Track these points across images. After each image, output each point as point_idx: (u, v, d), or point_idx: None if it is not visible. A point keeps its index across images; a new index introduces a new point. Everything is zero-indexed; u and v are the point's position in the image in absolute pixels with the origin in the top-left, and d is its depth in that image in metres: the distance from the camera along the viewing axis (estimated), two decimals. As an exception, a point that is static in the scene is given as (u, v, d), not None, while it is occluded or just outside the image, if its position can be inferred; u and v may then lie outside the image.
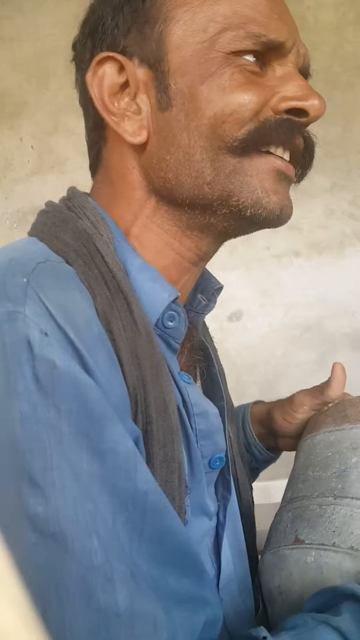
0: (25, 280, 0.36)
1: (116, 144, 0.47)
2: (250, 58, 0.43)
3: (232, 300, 1.57)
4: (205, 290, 0.57)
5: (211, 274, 0.58)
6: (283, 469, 0.64)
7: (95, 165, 0.51)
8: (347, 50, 1.53)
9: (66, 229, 0.44)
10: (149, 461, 0.39)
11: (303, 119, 0.45)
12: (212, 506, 0.50)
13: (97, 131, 0.49)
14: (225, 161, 0.43)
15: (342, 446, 0.50)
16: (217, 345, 0.64)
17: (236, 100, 0.42)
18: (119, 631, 0.32)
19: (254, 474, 0.74)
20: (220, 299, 0.60)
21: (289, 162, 0.47)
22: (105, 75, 0.45)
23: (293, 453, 0.60)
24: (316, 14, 1.52)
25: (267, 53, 0.44)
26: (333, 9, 1.53)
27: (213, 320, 0.66)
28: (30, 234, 0.46)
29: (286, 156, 0.46)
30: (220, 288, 0.58)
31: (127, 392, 0.39)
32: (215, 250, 0.52)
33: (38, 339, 0.33)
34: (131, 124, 0.45)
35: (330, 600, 0.41)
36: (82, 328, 0.36)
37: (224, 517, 0.52)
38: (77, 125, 0.53)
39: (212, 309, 0.58)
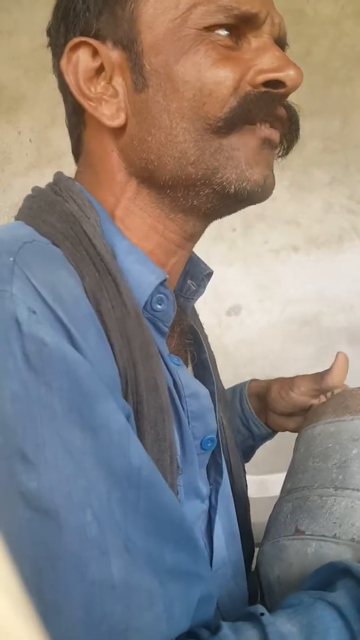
0: (11, 259, 0.36)
1: (95, 128, 0.47)
2: (222, 32, 0.43)
3: (230, 295, 1.57)
4: (194, 276, 0.57)
5: (200, 259, 0.58)
6: (280, 462, 0.64)
7: (77, 150, 0.51)
8: (346, 44, 1.53)
9: (52, 212, 0.43)
10: (141, 440, 0.39)
11: (281, 90, 0.44)
12: (205, 489, 0.51)
13: (76, 116, 0.49)
14: (211, 141, 0.43)
15: (343, 437, 0.50)
16: (215, 340, 0.64)
17: (212, 78, 0.42)
18: (114, 603, 0.32)
19: (250, 452, 0.75)
20: (219, 293, 0.60)
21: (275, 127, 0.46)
22: (80, 60, 0.44)
23: (291, 446, 0.60)
24: (315, 7, 1.51)
25: (241, 26, 0.44)
26: (332, 2, 1.52)
27: (211, 315, 0.66)
28: (17, 218, 0.46)
29: (271, 130, 0.46)
30: (210, 273, 0.58)
31: (117, 371, 0.39)
32: (202, 232, 0.51)
33: (26, 317, 0.33)
34: (108, 107, 0.45)
35: (326, 577, 0.41)
36: (71, 306, 0.36)
37: (216, 500, 0.52)
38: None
39: (201, 294, 0.58)
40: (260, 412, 0.72)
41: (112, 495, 0.34)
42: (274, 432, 0.74)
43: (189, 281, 0.56)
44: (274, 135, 0.46)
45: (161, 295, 0.46)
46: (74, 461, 0.33)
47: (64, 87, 0.49)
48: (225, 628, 0.37)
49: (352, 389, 0.57)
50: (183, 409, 0.46)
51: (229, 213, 0.49)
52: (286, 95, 0.45)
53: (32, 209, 0.45)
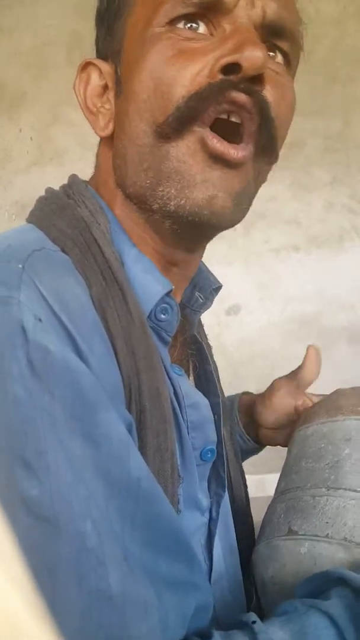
0: (20, 266, 0.36)
1: (102, 141, 0.49)
2: (181, 25, 0.40)
3: (230, 294, 1.57)
4: (203, 289, 0.56)
5: (210, 272, 0.57)
6: (279, 462, 0.64)
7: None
8: (348, 44, 1.53)
9: (63, 216, 0.43)
10: (142, 450, 0.40)
11: (238, 75, 0.38)
12: (205, 501, 0.50)
13: None
14: (161, 148, 0.41)
15: (335, 437, 0.50)
16: (215, 339, 0.64)
17: (163, 79, 0.40)
18: (110, 614, 0.32)
19: None
20: (218, 292, 0.60)
21: (243, 126, 0.41)
22: (90, 79, 0.47)
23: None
24: (317, 6, 1.51)
25: (208, 14, 0.40)
26: (334, 2, 1.52)
27: (211, 314, 0.66)
28: (28, 220, 0.46)
29: (234, 118, 0.41)
30: (219, 287, 0.57)
31: (121, 380, 0.39)
32: (188, 260, 0.49)
33: (32, 325, 0.33)
34: (102, 118, 0.47)
35: (320, 585, 0.41)
36: (77, 315, 0.36)
37: (217, 513, 0.52)
38: (77, 116, 0.53)
39: (208, 307, 0.57)
40: (250, 427, 0.72)
41: (111, 505, 0.34)
42: (260, 448, 0.73)
43: (196, 293, 0.56)
44: (229, 154, 0.40)
45: (165, 305, 0.45)
46: (75, 470, 0.33)
47: None
48: (217, 637, 0.37)
49: (345, 390, 0.57)
50: (183, 419, 0.46)
51: (197, 240, 0.47)
52: (244, 80, 0.39)
53: (44, 211, 0.45)
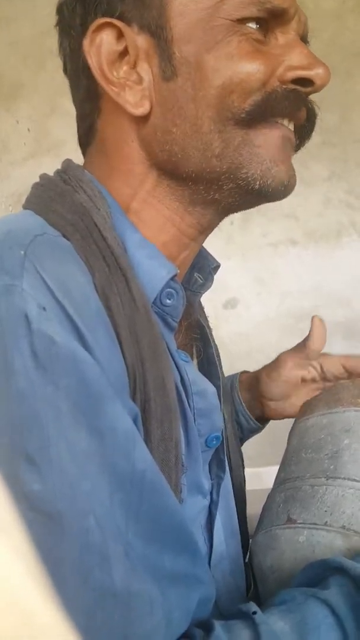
0: (22, 252, 0.35)
1: (113, 115, 0.46)
2: (253, 25, 0.43)
3: (227, 288, 1.57)
4: (202, 269, 0.56)
5: (208, 252, 0.57)
6: (275, 455, 0.64)
7: (86, 138, 0.49)
8: (347, 38, 1.52)
9: (62, 202, 0.43)
10: (147, 439, 0.39)
11: (309, 89, 0.44)
12: (207, 484, 0.51)
13: (91, 102, 0.47)
14: (234, 132, 0.43)
15: (335, 428, 0.51)
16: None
17: (244, 69, 0.42)
18: (115, 610, 0.32)
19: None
20: (216, 286, 0.60)
21: (293, 131, 0.47)
22: (103, 42, 0.43)
23: (285, 438, 0.60)
24: (316, 0, 1.50)
25: (270, 20, 0.44)
26: (334, -5, 1.51)
27: (208, 307, 0.66)
28: (25, 207, 0.45)
29: (291, 127, 0.46)
30: (217, 266, 0.57)
31: (125, 370, 0.38)
32: (216, 225, 0.51)
33: (36, 314, 0.33)
34: (133, 95, 0.44)
35: (318, 574, 0.41)
36: (81, 303, 0.36)
37: (218, 495, 0.52)
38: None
39: (208, 287, 0.57)
40: (251, 404, 0.72)
41: (115, 498, 0.33)
42: (262, 426, 0.74)
43: (195, 274, 0.56)
44: (293, 136, 0.46)
45: (171, 289, 0.45)
46: (79, 464, 0.32)
47: (75, 70, 0.47)
48: (218, 628, 0.37)
49: (345, 381, 0.57)
50: (189, 406, 0.46)
51: (248, 208, 0.49)
52: (311, 93, 0.45)
53: (42, 198, 0.44)
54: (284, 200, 0.48)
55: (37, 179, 0.47)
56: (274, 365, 0.69)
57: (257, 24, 0.43)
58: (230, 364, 0.70)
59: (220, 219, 0.50)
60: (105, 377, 0.35)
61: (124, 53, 0.44)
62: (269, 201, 0.47)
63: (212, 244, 0.54)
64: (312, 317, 0.68)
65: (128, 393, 0.38)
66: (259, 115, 0.43)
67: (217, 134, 0.43)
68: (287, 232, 1.57)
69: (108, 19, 0.43)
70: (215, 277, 0.59)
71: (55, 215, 0.42)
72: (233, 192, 0.45)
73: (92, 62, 0.43)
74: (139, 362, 0.39)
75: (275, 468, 0.57)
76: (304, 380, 0.66)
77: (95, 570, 0.32)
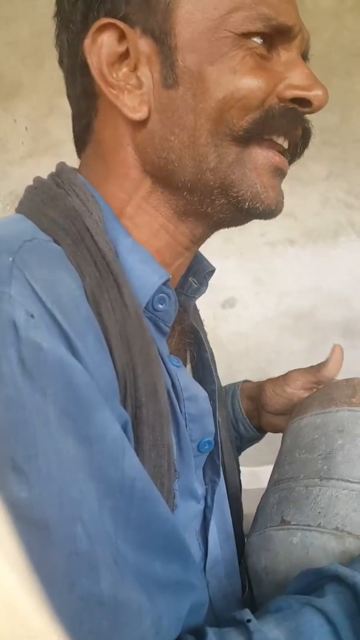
0: (10, 259, 0.35)
1: (110, 116, 0.45)
2: (258, 40, 0.43)
3: (225, 288, 1.57)
4: (197, 274, 0.56)
5: (204, 257, 0.57)
6: (271, 454, 0.64)
7: (82, 138, 0.49)
8: (346, 38, 1.52)
9: (54, 206, 0.42)
10: (139, 446, 0.39)
11: (306, 109, 0.45)
12: (200, 490, 0.51)
13: (87, 100, 0.46)
14: (229, 149, 0.43)
15: (328, 429, 0.51)
16: (210, 333, 0.64)
17: (246, 85, 0.42)
18: (102, 619, 0.32)
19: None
20: (214, 286, 0.60)
21: (286, 149, 0.47)
22: (104, 43, 0.42)
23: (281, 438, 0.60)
24: (316, 0, 1.50)
25: (275, 37, 0.43)
26: (333, -5, 1.51)
27: (206, 307, 0.66)
28: (17, 211, 0.45)
29: (285, 144, 0.46)
30: (212, 271, 0.57)
31: (115, 376, 0.38)
32: (209, 236, 0.51)
33: (24, 321, 0.33)
34: (131, 99, 0.43)
35: (314, 581, 0.41)
36: (70, 310, 0.35)
37: (212, 500, 0.52)
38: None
39: (203, 292, 0.57)
40: (252, 414, 0.72)
41: (104, 505, 0.33)
42: (261, 435, 0.74)
43: (190, 279, 0.56)
44: (285, 167, 0.47)
45: (163, 295, 0.45)
46: (67, 471, 0.32)
47: (72, 65, 0.46)
48: (212, 635, 0.37)
49: (338, 381, 0.57)
50: (181, 411, 0.46)
51: (239, 224, 0.50)
52: (308, 113, 0.46)
53: (34, 201, 0.44)
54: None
55: (32, 181, 0.47)
56: (282, 380, 0.69)
57: (261, 38, 0.43)
58: (229, 364, 0.71)
59: (212, 232, 0.50)
60: (94, 383, 0.34)
61: (125, 55, 0.43)
62: (258, 219, 0.48)
63: (211, 244, 0.54)
64: (334, 345, 0.67)
65: (118, 399, 0.38)
66: (256, 133, 0.43)
67: (213, 147, 0.43)
68: (286, 232, 1.57)
69: (111, 20, 0.42)
70: (213, 276, 0.58)
71: (47, 219, 0.41)
72: (224, 208, 0.45)
73: (92, 62, 0.43)
74: (130, 368, 0.39)
75: (271, 467, 0.57)
76: None
77: (82, 578, 0.31)
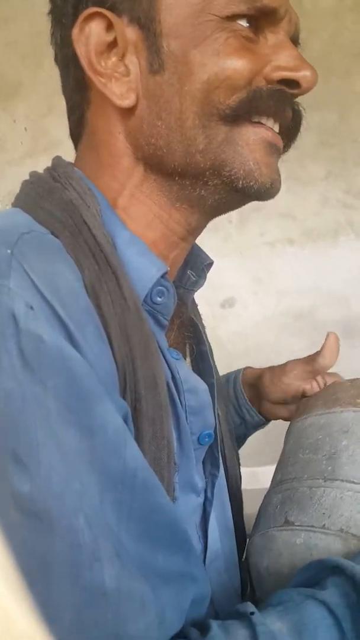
0: (9, 251, 0.35)
1: (101, 107, 0.46)
2: (244, 23, 0.43)
3: (225, 288, 1.57)
4: (194, 266, 0.56)
5: (201, 249, 0.57)
6: (272, 454, 0.64)
7: (77, 131, 0.49)
8: (346, 37, 1.52)
9: (51, 199, 0.42)
10: (138, 439, 0.39)
11: (295, 90, 0.44)
12: (200, 483, 0.51)
13: (80, 92, 0.47)
14: (217, 129, 0.43)
15: (333, 429, 0.50)
16: (209, 332, 0.64)
17: (231, 65, 0.42)
18: (105, 610, 0.32)
19: (242, 440, 0.75)
20: (213, 285, 0.59)
21: (278, 133, 0.46)
22: (92, 32, 0.43)
23: (283, 437, 0.60)
24: (314, 0, 1.50)
25: (260, 19, 0.43)
26: (332, -6, 1.51)
27: (206, 307, 0.66)
28: (14, 205, 0.45)
29: (276, 128, 0.46)
30: (211, 263, 0.57)
31: (115, 368, 0.38)
32: (204, 226, 0.51)
33: (23, 313, 0.33)
34: (119, 86, 0.43)
35: (316, 574, 0.41)
36: (69, 301, 0.35)
37: (212, 494, 0.52)
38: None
39: (201, 285, 0.57)
40: (254, 400, 0.72)
41: (106, 497, 0.33)
42: (267, 421, 0.73)
43: (188, 272, 0.55)
44: (279, 142, 0.46)
45: (161, 287, 0.45)
46: (68, 463, 0.32)
47: (65, 60, 0.47)
48: (215, 628, 0.37)
49: (343, 382, 0.57)
50: (181, 404, 0.46)
51: (234, 208, 0.49)
52: (297, 96, 0.45)
53: (30, 195, 0.44)
54: (282, 200, 0.48)
55: (28, 175, 0.47)
56: (280, 369, 0.69)
57: (248, 22, 0.43)
58: (228, 364, 0.71)
59: (209, 219, 0.50)
60: (94, 375, 0.34)
61: (113, 44, 0.43)
62: (255, 200, 0.47)
63: (209, 243, 0.54)
64: (328, 334, 0.66)
65: (118, 391, 0.38)
66: (244, 112, 0.43)
67: (201, 129, 0.43)
68: (285, 232, 1.57)
69: (98, 9, 0.42)
70: (212, 276, 0.58)
71: (44, 212, 0.41)
72: (218, 188, 0.45)
73: (80, 51, 0.43)
74: (129, 360, 0.39)
75: (273, 467, 0.57)
76: (304, 393, 0.66)
77: (85, 570, 0.31)
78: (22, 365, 0.32)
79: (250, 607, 0.38)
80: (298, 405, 0.61)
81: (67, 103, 0.49)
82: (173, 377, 0.45)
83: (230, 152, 0.43)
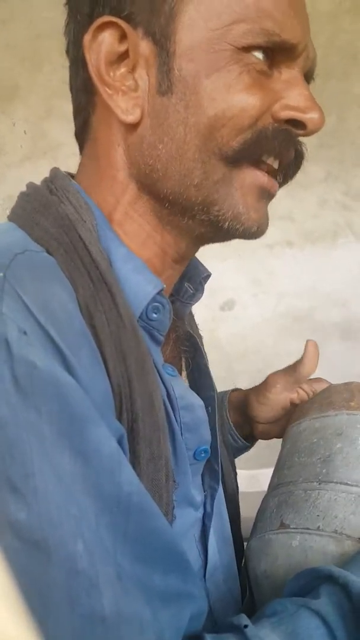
0: (1, 274, 0.34)
1: (105, 114, 0.45)
2: (259, 55, 0.41)
3: (224, 290, 1.57)
4: (192, 279, 0.55)
5: (199, 262, 0.57)
6: (271, 457, 0.64)
7: (82, 135, 0.49)
8: (343, 40, 1.52)
9: (47, 214, 0.42)
10: (135, 459, 0.39)
11: (300, 131, 0.44)
12: (199, 497, 0.50)
13: (87, 95, 0.46)
14: (216, 167, 0.42)
15: (327, 432, 0.51)
16: (209, 334, 0.63)
17: (239, 103, 0.41)
18: (105, 635, 0.31)
19: None
20: (213, 288, 0.59)
21: (277, 169, 0.46)
22: (105, 41, 0.42)
23: (280, 441, 0.60)
24: (312, 2, 1.50)
25: (277, 53, 0.42)
26: (330, -3, 1.52)
27: (205, 309, 0.66)
28: (10, 219, 0.44)
29: (275, 164, 0.45)
30: (208, 276, 0.57)
31: (110, 390, 0.37)
32: (194, 253, 0.51)
33: (16, 339, 0.32)
34: (125, 100, 0.42)
35: (309, 582, 0.41)
36: (64, 324, 0.35)
37: (211, 507, 0.52)
38: (72, 110, 0.51)
39: (199, 299, 0.57)
40: (241, 425, 0.71)
41: (101, 521, 0.33)
42: (250, 446, 0.73)
43: (186, 284, 0.55)
44: (274, 189, 0.46)
45: (157, 304, 0.44)
46: (65, 488, 0.31)
47: (76, 58, 0.46)
48: None
49: (337, 385, 0.57)
50: (176, 420, 0.45)
51: (221, 241, 0.49)
52: (303, 136, 0.45)
53: (26, 210, 0.43)
54: (280, 202, 0.48)
55: (33, 181, 0.47)
56: (262, 387, 0.68)
57: (263, 53, 0.42)
58: (228, 365, 0.71)
59: (196, 247, 0.50)
60: (88, 399, 0.34)
61: (124, 55, 0.42)
62: (239, 238, 0.47)
63: (209, 246, 0.54)
64: (307, 342, 0.66)
65: (113, 413, 0.38)
66: (246, 154, 0.42)
67: (200, 163, 0.42)
68: (284, 234, 1.57)
69: (114, 19, 0.41)
70: (212, 278, 0.58)
71: (39, 228, 0.41)
72: (205, 223, 0.45)
73: (90, 58, 0.42)
74: (125, 380, 0.39)
75: (271, 470, 0.57)
76: (293, 403, 0.66)
77: (83, 597, 0.31)
78: (15, 392, 0.31)
79: (244, 619, 0.38)
80: (294, 410, 0.61)
81: (73, 102, 0.48)
82: (168, 395, 0.45)
83: (223, 192, 0.43)
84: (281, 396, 0.67)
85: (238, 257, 1.57)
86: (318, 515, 0.45)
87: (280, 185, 0.48)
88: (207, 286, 0.59)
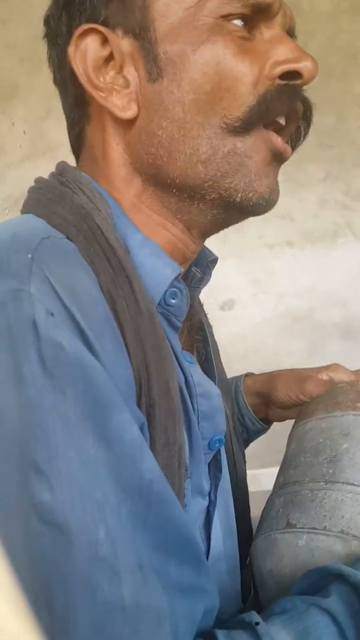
0: (29, 256, 0.35)
1: (99, 120, 0.45)
2: (238, 22, 0.42)
3: (224, 290, 1.57)
4: (199, 263, 0.55)
5: (205, 246, 0.57)
6: (273, 457, 0.64)
7: (77, 145, 0.49)
8: (343, 40, 1.52)
9: (63, 204, 0.42)
10: (151, 445, 0.39)
11: (298, 81, 0.43)
12: (206, 486, 0.50)
13: (79, 109, 0.47)
14: (225, 140, 0.42)
15: (333, 432, 0.51)
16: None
17: (231, 73, 0.41)
18: (123, 625, 0.31)
19: (244, 446, 0.73)
20: (212, 288, 0.59)
21: (287, 125, 0.46)
22: (88, 49, 0.43)
23: (283, 441, 0.60)
24: (311, 2, 1.51)
25: (255, 16, 0.43)
26: (329, -3, 1.52)
27: (205, 309, 0.66)
28: (24, 211, 0.44)
29: (282, 121, 0.45)
30: (215, 260, 0.57)
31: (132, 377, 0.37)
32: (206, 238, 0.51)
33: (44, 320, 0.32)
34: (120, 98, 0.43)
35: (318, 581, 0.41)
36: (88, 308, 0.35)
37: (215, 495, 0.52)
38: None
39: (207, 282, 0.57)
40: (258, 408, 0.71)
41: (123, 508, 0.33)
42: (267, 427, 0.73)
43: (193, 268, 0.55)
44: (287, 153, 0.46)
45: (175, 289, 0.44)
46: (89, 473, 0.31)
47: (63, 79, 0.47)
48: (222, 638, 0.36)
49: (343, 385, 0.57)
50: (193, 408, 0.45)
51: (230, 224, 0.49)
52: (302, 86, 0.44)
53: (41, 201, 0.43)
54: (280, 202, 0.48)
55: (33, 182, 0.47)
56: (298, 387, 0.64)
57: (242, 20, 0.42)
58: (228, 365, 0.71)
59: (208, 233, 0.50)
60: (113, 385, 0.34)
61: (110, 58, 0.43)
62: (250, 216, 0.47)
63: (209, 246, 0.54)
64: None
65: (135, 400, 0.38)
66: (255, 120, 0.42)
67: (205, 139, 0.42)
68: (284, 234, 1.57)
69: (92, 25, 0.42)
70: (212, 278, 0.58)
71: (57, 217, 0.41)
72: (216, 203, 0.44)
73: (77, 68, 0.43)
74: (143, 366, 0.39)
75: (273, 470, 0.57)
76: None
77: (104, 584, 0.31)
78: (42, 373, 0.31)
79: (255, 617, 0.38)
80: (300, 409, 0.61)
81: (67, 120, 0.50)
82: (186, 381, 0.45)
83: (235, 163, 0.43)
84: (317, 389, 0.64)
85: (238, 257, 1.57)
86: (325, 515, 0.45)
87: (296, 146, 0.48)
88: (207, 286, 0.59)
